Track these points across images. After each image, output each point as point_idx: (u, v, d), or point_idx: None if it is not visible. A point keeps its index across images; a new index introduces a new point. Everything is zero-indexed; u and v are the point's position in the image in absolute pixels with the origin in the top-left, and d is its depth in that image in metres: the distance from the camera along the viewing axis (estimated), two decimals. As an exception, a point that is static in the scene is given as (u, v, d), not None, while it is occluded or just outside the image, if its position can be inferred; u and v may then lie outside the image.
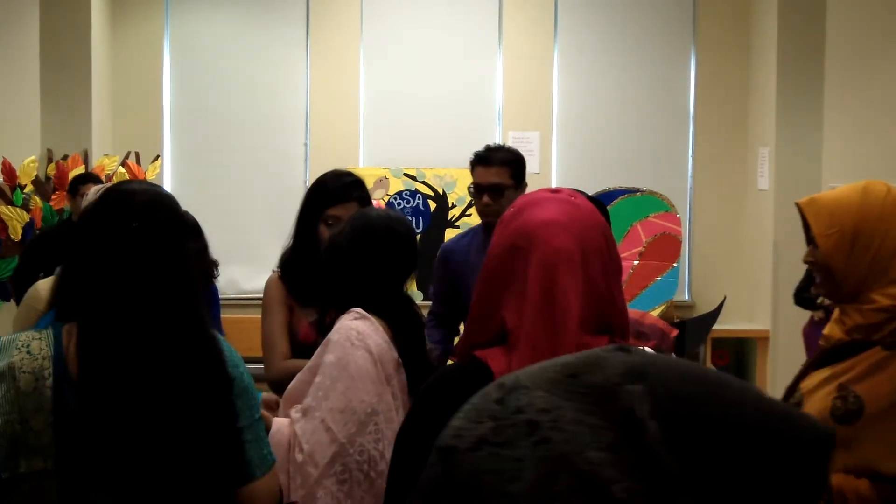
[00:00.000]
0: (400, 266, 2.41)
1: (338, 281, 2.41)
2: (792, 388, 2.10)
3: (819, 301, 5.34)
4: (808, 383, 2.06)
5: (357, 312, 2.30)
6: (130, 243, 1.76)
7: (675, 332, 4.51)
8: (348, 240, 2.41)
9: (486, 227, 3.25)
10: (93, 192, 3.23)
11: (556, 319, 1.43)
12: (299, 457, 2.16)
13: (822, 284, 2.08)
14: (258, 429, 1.90)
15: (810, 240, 2.06)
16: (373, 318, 2.29)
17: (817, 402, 1.98)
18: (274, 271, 2.92)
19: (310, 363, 2.32)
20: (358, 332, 2.24)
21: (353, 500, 2.18)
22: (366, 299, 2.34)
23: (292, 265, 2.86)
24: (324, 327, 2.49)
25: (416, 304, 2.51)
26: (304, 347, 2.77)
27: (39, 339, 1.71)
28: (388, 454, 2.18)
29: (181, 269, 1.81)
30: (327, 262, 2.45)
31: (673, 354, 4.24)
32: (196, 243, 2.85)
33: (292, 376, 2.40)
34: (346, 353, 2.21)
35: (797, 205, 2.11)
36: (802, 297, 5.58)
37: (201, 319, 1.83)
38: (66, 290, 1.80)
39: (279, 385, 2.45)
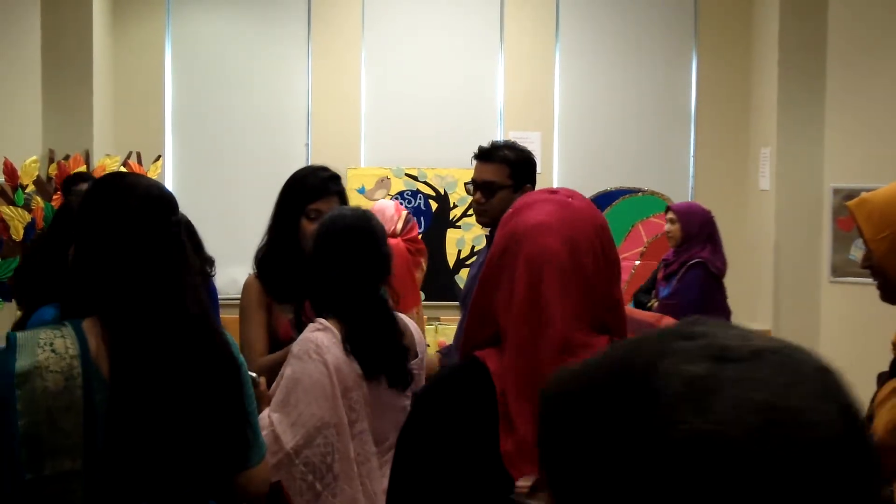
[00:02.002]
0: (363, 263, 2.38)
1: (312, 284, 2.42)
2: (871, 400, 1.97)
3: (648, 305, 5.18)
4: (881, 394, 1.93)
5: (320, 323, 2.32)
6: (153, 240, 1.77)
7: None
8: (315, 243, 2.43)
9: (489, 240, 3.13)
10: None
11: (540, 318, 1.44)
12: None
13: (881, 289, 1.94)
14: (256, 417, 1.95)
15: (866, 243, 1.93)
16: (335, 329, 2.30)
17: (885, 414, 1.86)
18: (250, 273, 2.92)
19: (281, 370, 2.36)
20: (317, 346, 2.27)
21: None
22: (331, 301, 2.35)
23: (270, 262, 2.86)
24: (301, 324, 2.51)
25: (386, 304, 2.46)
26: (285, 345, 2.78)
27: (62, 336, 1.67)
28: (338, 467, 2.21)
29: (189, 264, 1.84)
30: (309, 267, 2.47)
31: None
32: (191, 240, 2.88)
33: (266, 370, 2.46)
34: (301, 366, 2.26)
35: (847, 207, 1.95)
36: (640, 300, 5.39)
37: (209, 311, 1.85)
38: (79, 285, 1.77)
39: None
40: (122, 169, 6.03)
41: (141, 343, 1.70)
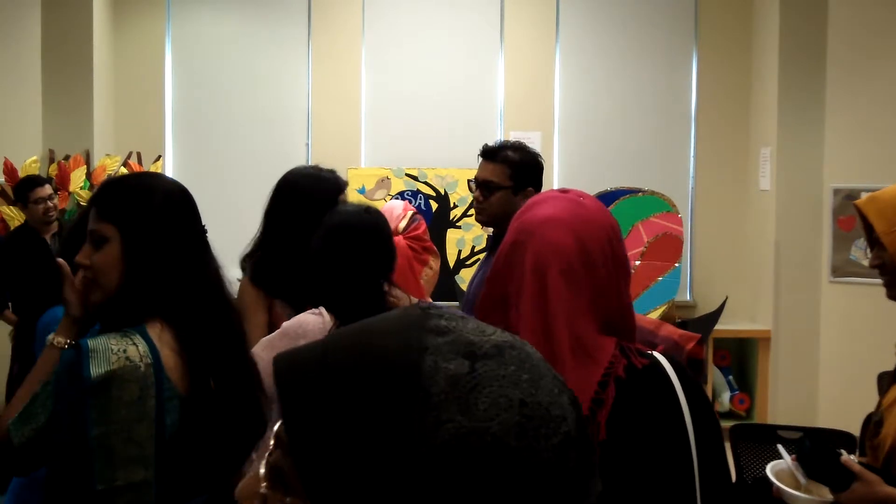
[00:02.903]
0: (365, 261, 2.36)
1: (313, 281, 2.41)
2: (879, 404, 1.94)
3: None
4: (888, 398, 1.90)
5: (317, 309, 2.31)
6: (198, 244, 1.79)
7: (690, 345, 4.35)
8: (316, 239, 2.42)
9: (491, 243, 3.12)
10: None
11: (547, 312, 1.43)
12: None
13: (888, 287, 1.89)
14: None
15: (873, 241, 1.88)
16: (328, 317, 2.28)
17: (895, 418, 1.83)
18: (244, 276, 2.89)
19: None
20: (301, 326, 2.25)
21: None
22: (329, 297, 2.34)
23: (268, 263, 2.84)
24: None
25: (384, 302, 2.43)
26: None
27: (134, 344, 1.62)
28: None
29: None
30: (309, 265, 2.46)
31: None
32: None
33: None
34: (278, 343, 2.24)
35: (855, 205, 1.91)
36: None
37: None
38: (139, 291, 1.71)
39: None
40: (123, 169, 6.03)
41: (214, 353, 1.71)
